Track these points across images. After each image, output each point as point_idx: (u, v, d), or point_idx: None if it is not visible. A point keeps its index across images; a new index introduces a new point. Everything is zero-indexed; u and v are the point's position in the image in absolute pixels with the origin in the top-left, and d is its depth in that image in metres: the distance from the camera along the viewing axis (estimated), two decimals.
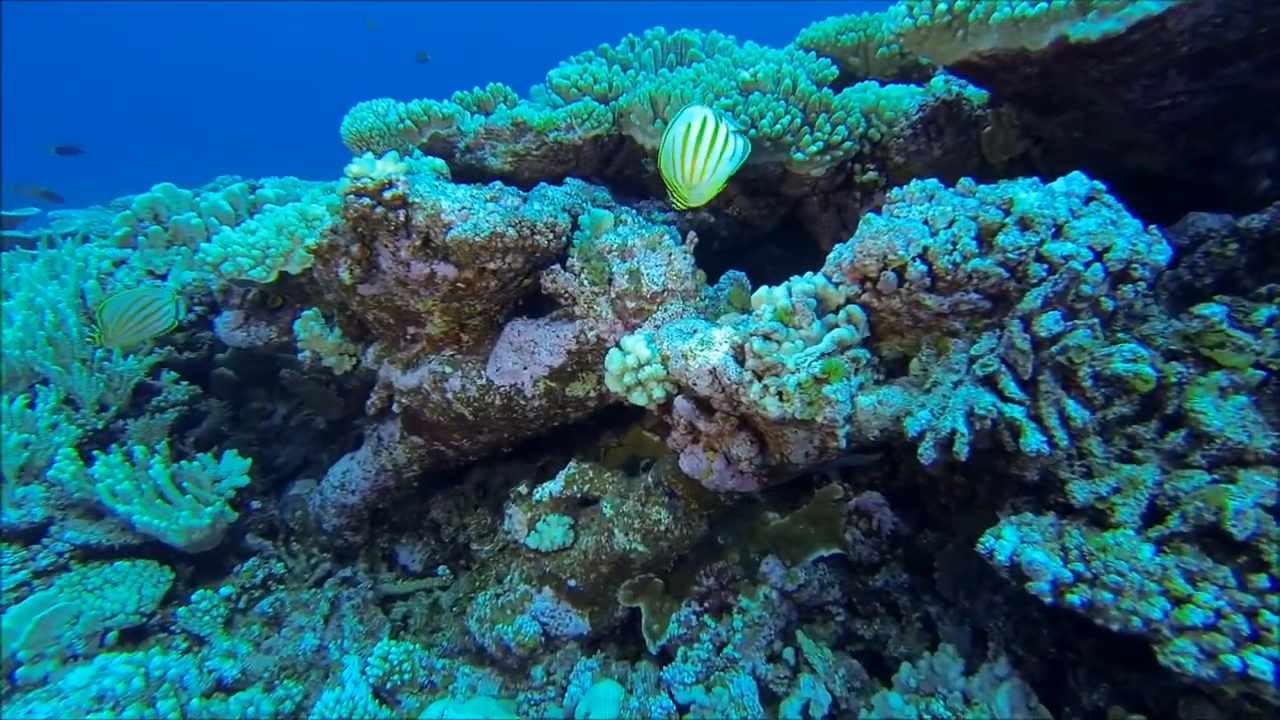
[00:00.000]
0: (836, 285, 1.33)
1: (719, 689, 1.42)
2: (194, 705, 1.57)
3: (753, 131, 1.79)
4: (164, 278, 2.12)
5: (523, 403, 1.63)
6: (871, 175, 2.05)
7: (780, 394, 1.20)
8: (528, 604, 1.60)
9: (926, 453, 1.12)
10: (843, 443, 1.23)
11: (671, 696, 1.40)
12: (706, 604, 1.48)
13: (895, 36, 1.58)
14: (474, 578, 1.81)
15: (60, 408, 2.19)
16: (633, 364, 1.37)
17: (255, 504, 2.19)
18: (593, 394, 1.64)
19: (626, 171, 2.17)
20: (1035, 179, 1.23)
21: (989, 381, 1.11)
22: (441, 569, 2.08)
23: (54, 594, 1.75)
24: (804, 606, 1.49)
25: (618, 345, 1.41)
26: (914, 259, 1.18)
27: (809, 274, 1.34)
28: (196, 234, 2.12)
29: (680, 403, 1.35)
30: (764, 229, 2.15)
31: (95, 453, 1.94)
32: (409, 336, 1.72)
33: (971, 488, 1.51)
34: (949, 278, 1.18)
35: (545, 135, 1.94)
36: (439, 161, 1.72)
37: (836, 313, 1.30)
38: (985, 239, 1.19)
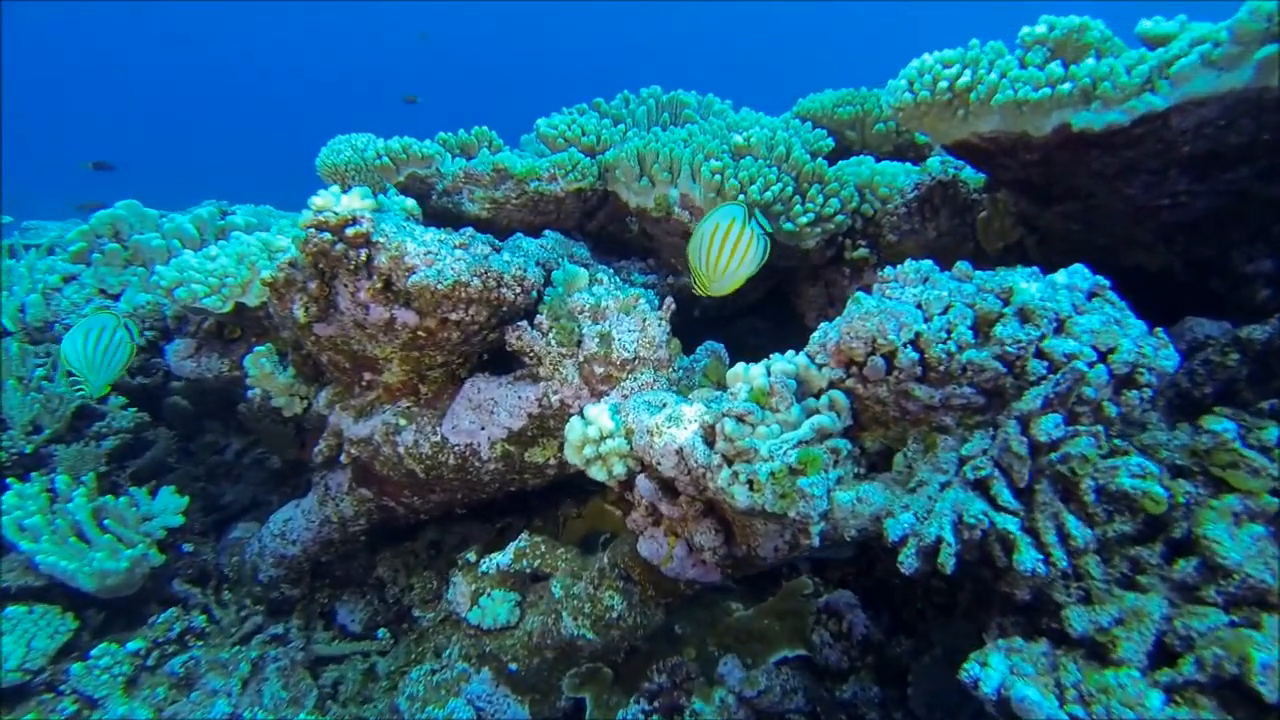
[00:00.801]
0: (820, 367, 1.21)
1: None
2: None
3: (741, 198, 1.70)
4: (117, 298, 1.98)
5: (478, 464, 1.49)
6: (862, 252, 1.97)
7: (751, 483, 1.07)
8: (464, 685, 1.43)
9: (908, 561, 0.98)
10: (815, 540, 1.10)
11: None
12: (657, 703, 1.31)
13: (894, 111, 1.51)
14: (411, 648, 1.63)
15: None
16: (594, 435, 1.24)
17: (187, 547, 2.00)
18: (553, 461, 1.50)
19: (609, 228, 2.08)
20: (1035, 269, 1.13)
21: (980, 486, 0.99)
22: (381, 631, 1.89)
23: None
24: (763, 714, 1.32)
25: (580, 414, 1.28)
26: (905, 345, 1.07)
27: (790, 353, 1.23)
28: (157, 255, 1.99)
29: (642, 482, 1.21)
30: (748, 300, 2.05)
31: (10, 480, 1.76)
32: (364, 383, 1.58)
33: (952, 595, 1.37)
34: (941, 368, 1.07)
35: (526, 184, 1.84)
36: (410, 202, 1.61)
37: (818, 397, 1.18)
38: (982, 329, 1.08)
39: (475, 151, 1.98)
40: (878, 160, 2.05)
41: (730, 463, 1.11)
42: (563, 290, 1.51)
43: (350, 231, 1.35)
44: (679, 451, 1.14)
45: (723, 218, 1.42)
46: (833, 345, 1.20)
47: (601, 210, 2.01)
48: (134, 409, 2.27)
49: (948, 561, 0.94)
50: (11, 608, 1.66)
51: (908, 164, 2.06)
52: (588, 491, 1.79)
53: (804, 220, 1.70)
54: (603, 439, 1.23)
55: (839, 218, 1.77)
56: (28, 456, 2.05)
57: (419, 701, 1.46)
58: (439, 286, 1.32)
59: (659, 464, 1.17)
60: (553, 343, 1.43)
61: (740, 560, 1.26)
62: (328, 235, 1.36)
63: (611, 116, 2.30)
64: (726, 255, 1.41)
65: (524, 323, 1.46)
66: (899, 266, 1.19)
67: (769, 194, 1.70)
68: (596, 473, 1.24)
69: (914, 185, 1.87)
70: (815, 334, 1.29)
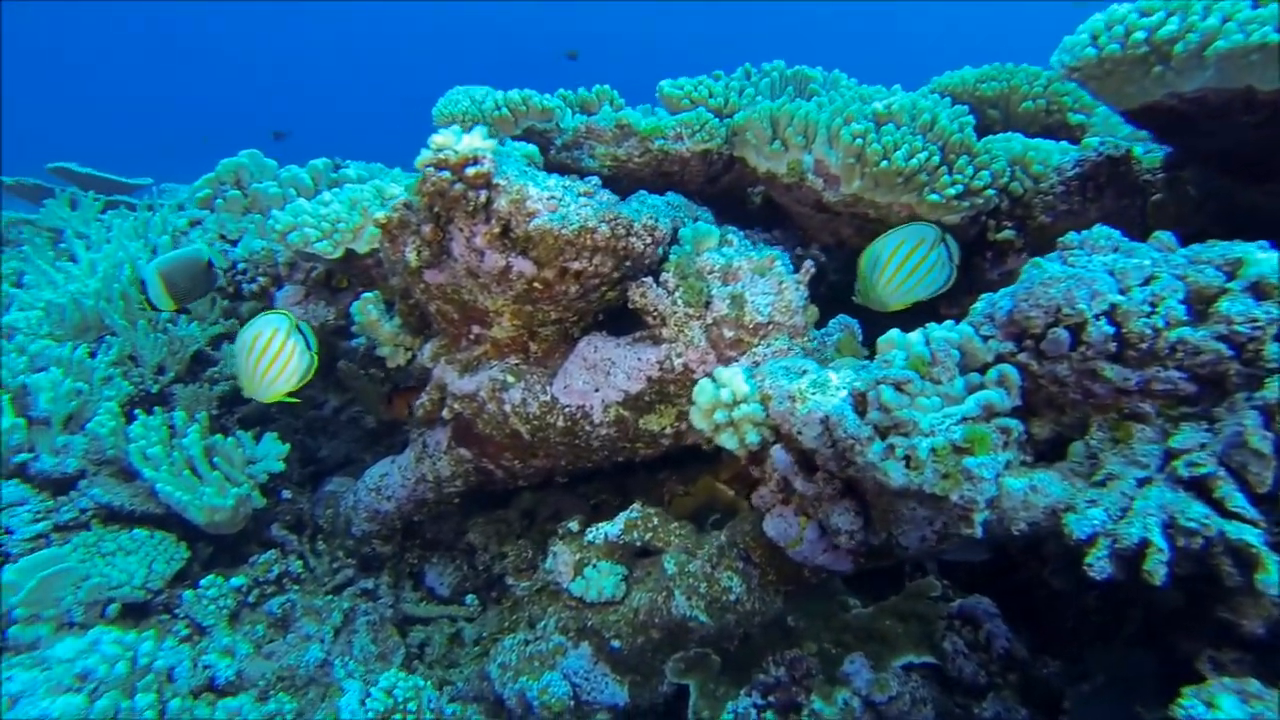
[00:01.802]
0: (985, 340, 1.10)
1: None
2: (174, 705, 1.40)
3: (884, 164, 1.59)
4: (235, 243, 2.05)
5: (588, 429, 1.44)
6: (1008, 234, 1.82)
7: (908, 459, 0.97)
8: (560, 659, 1.39)
9: (1099, 564, 0.87)
10: (978, 531, 0.99)
11: None
12: (772, 698, 1.23)
13: (1067, 72, 1.37)
14: (504, 616, 1.60)
15: (121, 362, 2.12)
16: (727, 399, 1.17)
17: (287, 493, 2.05)
18: (669, 430, 1.44)
19: (732, 196, 2.00)
20: (1262, 241, 0.99)
21: (1198, 487, 0.86)
22: (470, 597, 1.88)
23: (66, 552, 1.63)
24: None
25: (711, 376, 1.22)
26: (1098, 317, 0.95)
27: (949, 323, 1.12)
28: (273, 203, 2.05)
29: (778, 453, 1.13)
30: None
31: (138, 412, 1.84)
32: (472, 337, 1.56)
33: (1115, 615, 1.22)
34: (1143, 346, 0.94)
35: (650, 142, 1.79)
36: (532, 148, 1.58)
37: (982, 372, 1.07)
38: (1197, 305, 0.95)
39: (596, 109, 1.94)
40: None
41: (884, 436, 1.02)
42: (691, 249, 1.44)
43: (470, 171, 1.32)
44: (824, 420, 1.06)
45: (910, 235, 1.40)
46: (1004, 316, 1.09)
47: (725, 176, 1.94)
48: None
49: (1157, 570, 0.82)
50: (137, 530, 1.73)
51: (1063, 143, 1.90)
52: (694, 469, 1.73)
53: (951, 192, 1.58)
54: (736, 404, 1.16)
55: (989, 192, 1.63)
56: (154, 395, 2.16)
57: (511, 671, 1.43)
58: (563, 231, 1.27)
59: (799, 433, 1.09)
60: (679, 302, 1.37)
61: (876, 549, 1.17)
62: (446, 174, 1.33)
63: (734, 90, 2.23)
64: (904, 275, 1.41)
65: (649, 279, 1.40)
66: (1087, 232, 1.07)
67: (914, 161, 1.58)
68: (727, 440, 1.17)
69: (1075, 162, 1.71)
70: (977, 305, 1.19)
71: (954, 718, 1.24)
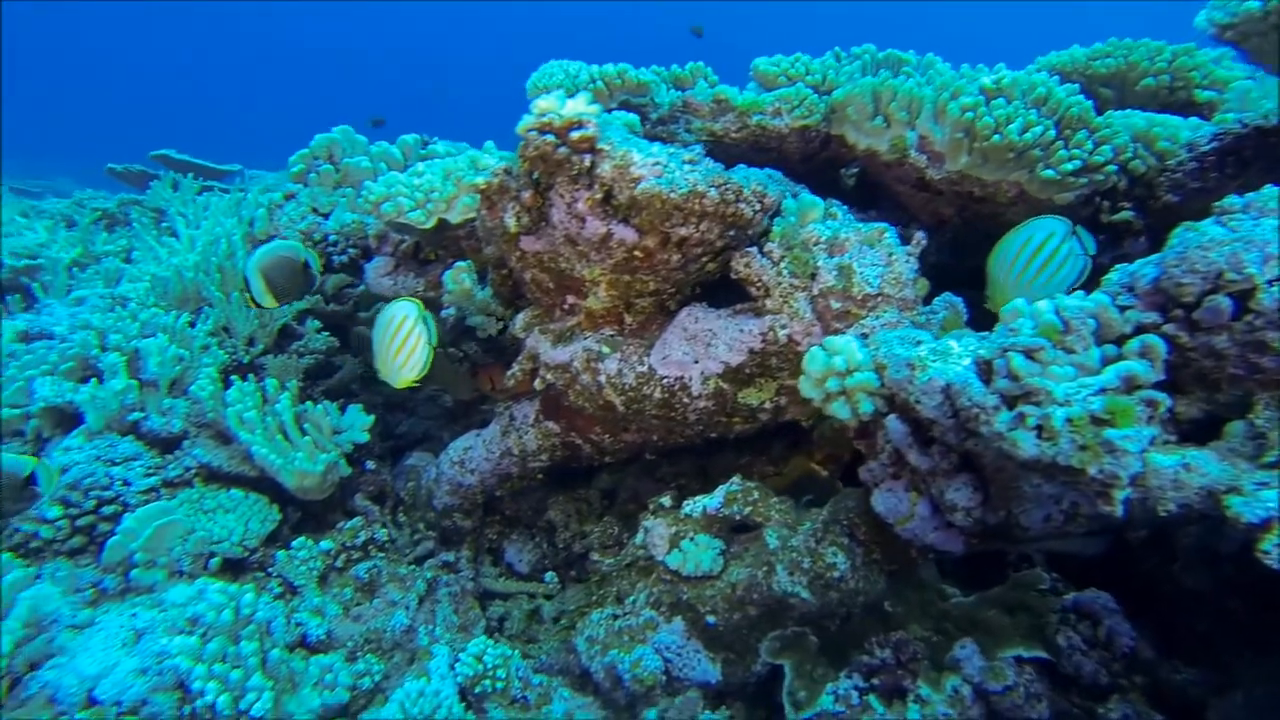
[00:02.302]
0: (1122, 310, 1.05)
1: None
2: (274, 655, 1.46)
3: (996, 138, 1.54)
4: (327, 216, 2.13)
5: (685, 401, 1.44)
6: (1126, 215, 1.74)
7: (1040, 429, 0.93)
8: (651, 633, 1.38)
9: (1276, 553, 0.81)
10: (1119, 509, 0.94)
11: None
12: (876, 680, 1.20)
13: (1219, 30, 1.30)
14: (591, 590, 1.61)
15: (216, 333, 2.23)
16: (840, 367, 1.15)
17: (370, 464, 2.11)
18: (768, 404, 1.42)
19: (825, 175, 1.97)
20: None
21: None
22: (550, 575, 1.90)
23: (174, 506, 1.72)
24: (1004, 717, 1.17)
25: (822, 345, 1.20)
26: (1270, 283, 0.89)
27: (1079, 293, 1.08)
28: (364, 176, 2.12)
29: (893, 423, 1.10)
30: (980, 260, 1.87)
31: (234, 379, 1.93)
32: (566, 307, 1.58)
33: (1264, 618, 1.15)
34: None
35: (748, 117, 1.78)
36: (633, 117, 1.59)
37: (1119, 345, 1.02)
38: None
39: (691, 85, 1.94)
40: None
41: (1012, 405, 0.98)
42: (795, 220, 1.42)
43: (575, 135, 1.34)
44: (945, 389, 1.03)
45: (1038, 230, 1.35)
46: (1147, 284, 1.04)
47: (820, 155, 1.91)
48: (326, 333, 2.46)
49: None
50: (234, 490, 1.82)
51: (1193, 119, 1.80)
52: (774, 450, 1.71)
53: (1068, 168, 1.52)
54: (850, 372, 1.14)
55: (1109, 169, 1.56)
56: (245, 365, 2.26)
57: (599, 645, 1.44)
58: (671, 195, 1.27)
59: (918, 403, 1.06)
60: (784, 273, 1.35)
61: (993, 529, 1.12)
62: (551, 138, 1.34)
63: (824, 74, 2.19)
64: (1035, 270, 1.36)
65: (753, 249, 1.39)
66: (1251, 194, 1.01)
67: (1028, 135, 1.52)
68: (838, 410, 1.15)
69: (1212, 136, 1.62)
70: (1112, 275, 1.13)
71: (1072, 717, 1.18)
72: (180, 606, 1.51)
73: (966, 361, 1.04)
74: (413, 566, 1.90)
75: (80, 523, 1.68)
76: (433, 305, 1.98)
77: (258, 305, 1.86)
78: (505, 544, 2.02)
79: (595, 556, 1.71)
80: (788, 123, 1.78)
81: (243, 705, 1.37)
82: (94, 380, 1.91)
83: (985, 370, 1.03)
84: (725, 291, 1.54)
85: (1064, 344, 1.00)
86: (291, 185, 2.21)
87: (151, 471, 1.84)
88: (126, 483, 1.77)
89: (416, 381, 1.52)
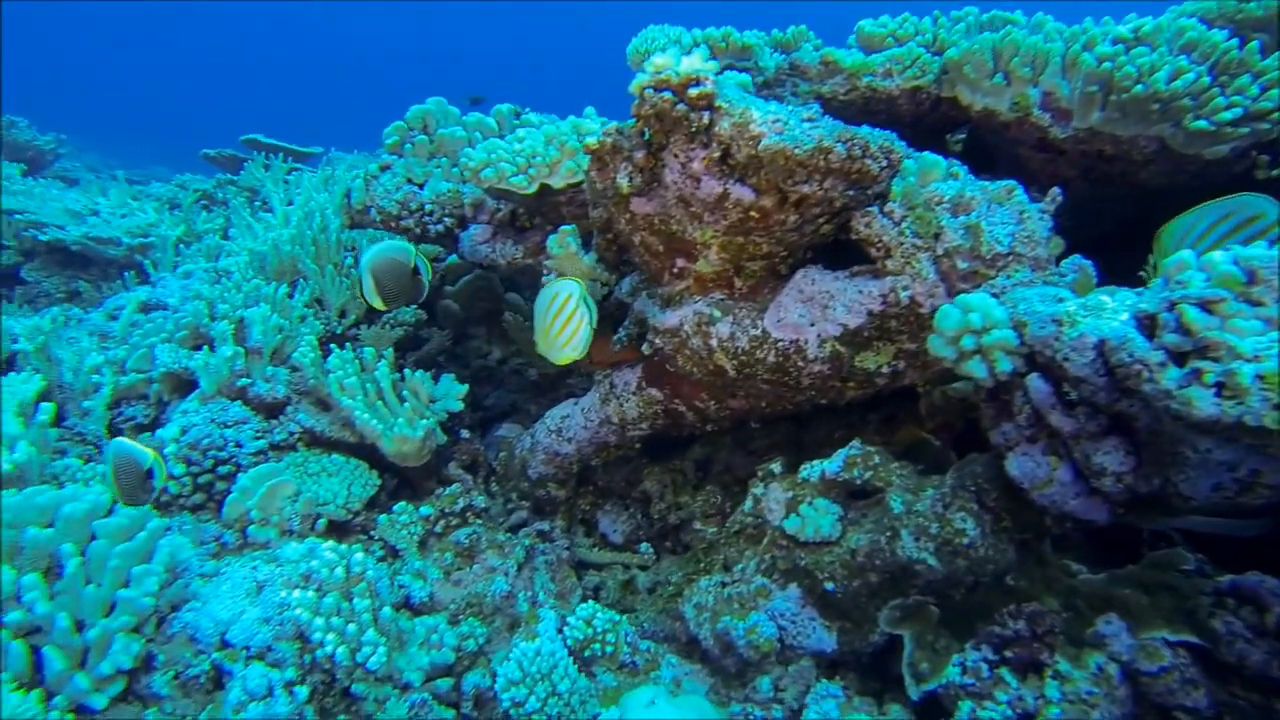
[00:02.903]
0: None
1: None
2: (385, 613, 1.52)
3: (1139, 88, 1.47)
4: (422, 186, 2.19)
5: (800, 364, 1.43)
6: None
7: (1222, 385, 0.89)
8: (763, 600, 1.38)
9: None
10: None
11: None
12: (1009, 653, 1.17)
13: None
14: (698, 558, 1.62)
15: (311, 304, 2.33)
16: (976, 324, 1.12)
17: (465, 433, 2.17)
18: (885, 369, 1.40)
19: (930, 141, 1.92)
20: None
21: None
22: (645, 545, 1.92)
23: (282, 468, 1.80)
24: (1153, 702, 1.13)
25: (955, 303, 1.17)
26: None
27: (1260, 243, 1.02)
28: (459, 146, 2.16)
29: (1036, 382, 1.07)
30: (1103, 225, 1.80)
31: (332, 346, 2.01)
32: (675, 271, 1.58)
33: None
34: None
35: (858, 78, 1.75)
36: (745, 77, 1.58)
37: None
38: None
39: (795, 48, 1.92)
40: None
41: (1181, 362, 0.94)
42: (916, 180, 1.39)
43: (693, 92, 1.33)
44: (1099, 345, 0.99)
45: (1235, 204, 1.22)
46: None
47: (929, 118, 1.86)
48: (414, 306, 2.53)
49: None
50: (336, 455, 1.89)
51: None
52: (873, 421, 1.69)
53: (1226, 117, 1.44)
54: (987, 329, 1.11)
55: (1277, 115, 1.47)
56: (337, 335, 2.35)
57: (708, 612, 1.44)
58: (796, 151, 1.26)
59: (1067, 360, 1.02)
60: (907, 232, 1.33)
61: (1144, 498, 1.08)
62: (668, 95, 1.34)
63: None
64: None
65: (874, 208, 1.37)
66: None
67: (1178, 84, 1.45)
68: (974, 369, 1.13)
69: None
70: None
71: (1241, 712, 1.13)
72: (294, 563, 1.58)
73: (1124, 316, 1.00)
74: (509, 534, 1.95)
75: (200, 480, 1.79)
76: (531, 273, 2.02)
77: (370, 306, 1.90)
78: (599, 514, 2.04)
79: (698, 525, 1.72)
80: (899, 84, 1.74)
81: (359, 658, 1.44)
82: (205, 348, 2.02)
83: (1147, 325, 0.98)
84: (836, 257, 1.53)
85: (1249, 295, 0.95)
86: (386, 157, 2.27)
87: (260, 435, 1.93)
88: (239, 444, 1.87)
89: (573, 361, 1.55)
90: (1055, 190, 1.30)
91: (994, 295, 1.25)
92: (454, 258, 2.79)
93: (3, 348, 1.93)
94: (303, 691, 1.39)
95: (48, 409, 1.67)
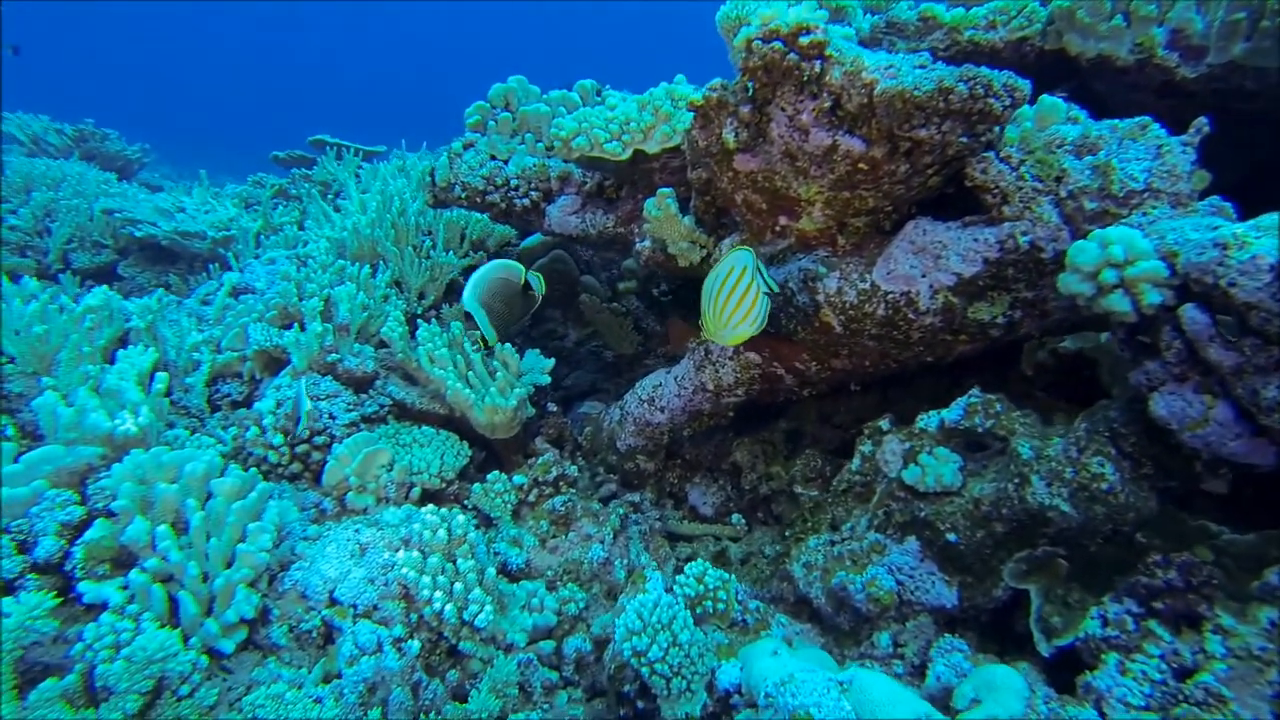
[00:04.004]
0: None
1: None
2: (490, 573, 1.55)
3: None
4: (506, 162, 2.23)
5: (911, 318, 1.41)
6: None
7: None
8: (878, 555, 1.36)
9: None
10: None
11: (1101, 713, 1.07)
12: (1159, 604, 1.13)
13: None
14: (805, 518, 1.60)
15: (392, 285, 2.39)
16: (1119, 257, 1.09)
17: (552, 406, 2.19)
18: (1000, 319, 1.37)
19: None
20: None
21: None
22: (736, 516, 1.91)
23: (376, 437, 1.85)
24: None
25: (1091, 238, 1.14)
26: None
27: None
28: (542, 122, 2.20)
29: (1193, 312, 1.04)
30: (1238, 171, 1.73)
31: (419, 321, 2.06)
32: (778, 229, 1.58)
33: None
34: None
35: (959, 33, 1.73)
36: (849, 29, 1.57)
37: None
38: None
39: (886, 9, 1.91)
40: None
41: None
42: (1033, 125, 1.37)
43: (805, 40, 1.33)
44: (1276, 267, 0.96)
45: None
46: None
47: (1030, 72, 1.82)
48: None
49: None
50: (426, 427, 1.94)
51: None
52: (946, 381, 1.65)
53: None
54: (1130, 261, 1.08)
55: None
56: (416, 316, 2.41)
57: (818, 570, 1.43)
58: (915, 93, 1.25)
59: (1234, 285, 0.99)
60: (1026, 176, 1.30)
61: None
62: (779, 45, 1.34)
63: None
64: None
65: (991, 154, 1.35)
66: None
67: None
68: (1116, 303, 1.10)
69: None
70: None
71: None
72: (394, 526, 1.62)
73: None
74: (601, 505, 1.97)
75: (298, 450, 1.84)
76: (622, 241, 2.04)
77: (485, 344, 1.88)
78: (687, 487, 2.05)
79: (799, 489, 1.70)
80: (1004, 36, 1.71)
81: (466, 615, 1.46)
82: (295, 326, 2.09)
83: None
84: (940, 214, 1.50)
85: None
86: (469, 135, 2.32)
87: (352, 407, 1.99)
88: (333, 416, 1.92)
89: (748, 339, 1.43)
90: (1201, 119, 1.26)
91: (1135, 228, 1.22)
92: (529, 241, 2.84)
93: (118, 325, 2.03)
94: (414, 645, 1.42)
95: (162, 378, 1.74)
